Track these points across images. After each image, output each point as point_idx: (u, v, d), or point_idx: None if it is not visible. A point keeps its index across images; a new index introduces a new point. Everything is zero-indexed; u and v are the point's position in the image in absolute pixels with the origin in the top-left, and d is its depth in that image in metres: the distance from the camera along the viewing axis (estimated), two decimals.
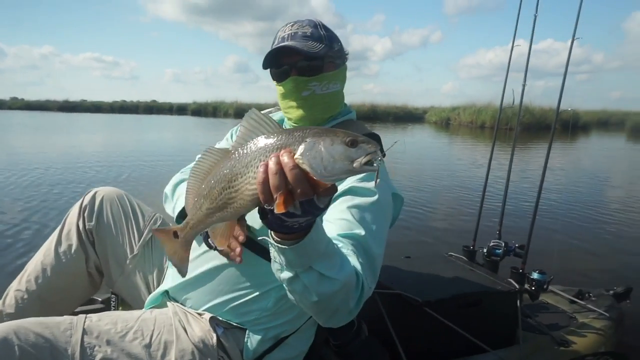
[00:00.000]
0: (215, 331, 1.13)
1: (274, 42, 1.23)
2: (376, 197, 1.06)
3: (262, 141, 0.70)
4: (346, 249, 0.94)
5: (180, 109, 34.95)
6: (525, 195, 5.23)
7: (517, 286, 1.68)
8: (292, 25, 1.22)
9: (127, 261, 1.40)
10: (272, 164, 0.65)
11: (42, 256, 1.37)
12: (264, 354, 1.17)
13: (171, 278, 1.24)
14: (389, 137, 15.51)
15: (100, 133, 16.13)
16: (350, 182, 1.08)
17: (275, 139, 0.69)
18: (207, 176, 0.78)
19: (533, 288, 1.76)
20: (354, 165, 0.64)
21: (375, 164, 0.65)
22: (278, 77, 1.22)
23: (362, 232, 0.98)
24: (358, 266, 0.92)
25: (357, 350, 1.45)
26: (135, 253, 1.39)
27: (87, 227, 1.37)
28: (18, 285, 1.36)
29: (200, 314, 1.17)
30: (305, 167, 0.65)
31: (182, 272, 0.93)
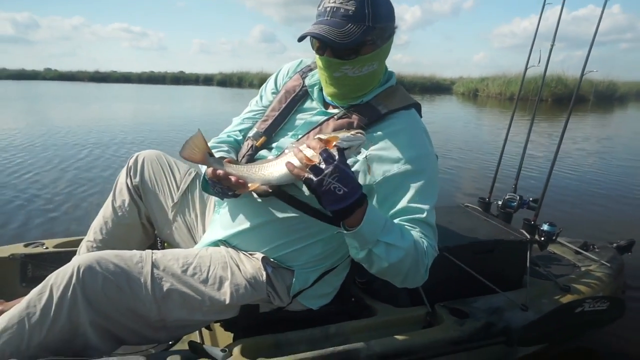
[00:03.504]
0: (265, 270, 1.22)
1: (318, 7, 1.15)
2: (425, 175, 1.14)
3: None
4: (411, 227, 1.11)
5: (206, 80, 34.68)
6: (543, 159, 5.27)
7: (527, 236, 1.75)
8: (333, 2, 1.10)
9: (170, 209, 1.52)
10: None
11: (103, 211, 1.52)
12: (306, 289, 1.28)
13: (221, 227, 1.31)
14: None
15: (134, 103, 16.32)
16: (394, 168, 1.12)
17: None
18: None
19: (542, 239, 1.83)
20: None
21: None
22: (316, 49, 1.16)
23: (423, 214, 1.11)
24: (424, 239, 1.10)
25: (381, 288, 1.56)
26: (175, 202, 1.51)
27: (134, 184, 1.50)
28: (88, 237, 1.52)
29: (252, 254, 1.25)
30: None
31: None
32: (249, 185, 1.12)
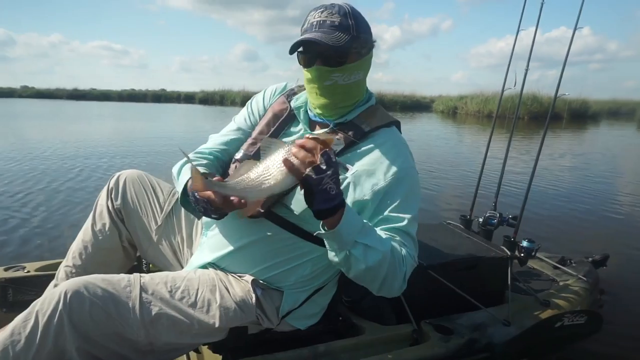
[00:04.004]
0: (254, 292, 1.21)
1: (303, 26, 1.20)
2: (407, 186, 1.17)
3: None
4: (391, 235, 1.13)
5: (187, 98, 34.47)
6: (522, 174, 5.42)
7: (508, 253, 1.80)
8: (321, 12, 1.17)
9: (154, 232, 1.48)
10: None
11: (83, 235, 1.47)
12: (294, 309, 1.28)
13: (209, 250, 1.31)
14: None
15: (112, 121, 16.03)
16: (380, 181, 1.16)
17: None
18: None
19: (522, 255, 1.87)
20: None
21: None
22: (305, 63, 1.20)
23: (403, 222, 1.14)
24: (403, 247, 1.12)
25: (368, 306, 1.58)
26: (159, 224, 1.48)
27: (115, 206, 1.46)
28: (66, 262, 1.47)
29: (241, 276, 1.25)
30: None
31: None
32: (248, 206, 1.04)
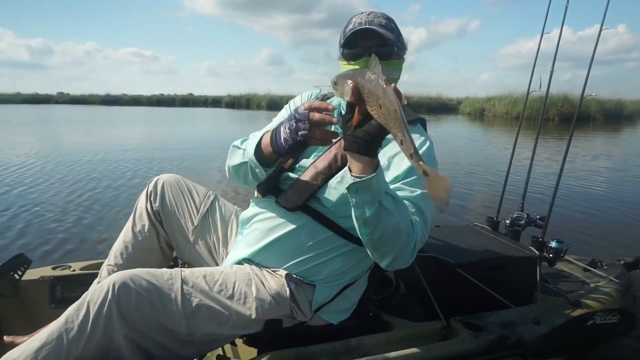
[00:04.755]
0: (288, 285, 1.26)
1: (348, 26, 1.30)
2: (427, 159, 1.19)
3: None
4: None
5: (214, 102, 35.13)
6: (550, 175, 5.33)
7: (537, 253, 1.79)
8: (367, 15, 1.30)
9: (190, 232, 1.56)
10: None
11: (124, 235, 1.56)
12: (326, 304, 1.33)
13: (244, 245, 1.36)
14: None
15: (144, 126, 16.50)
16: (402, 158, 1.21)
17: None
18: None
19: (551, 255, 1.86)
20: None
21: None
22: (351, 57, 1.30)
23: (416, 194, 1.16)
24: (413, 219, 1.12)
25: (397, 304, 1.61)
26: (195, 224, 1.56)
27: (154, 209, 1.55)
28: (108, 261, 1.55)
29: (275, 271, 1.30)
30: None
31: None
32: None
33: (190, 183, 1.64)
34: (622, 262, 2.18)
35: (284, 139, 1.12)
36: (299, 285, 1.30)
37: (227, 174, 1.42)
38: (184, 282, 1.18)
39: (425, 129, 1.37)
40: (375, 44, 1.26)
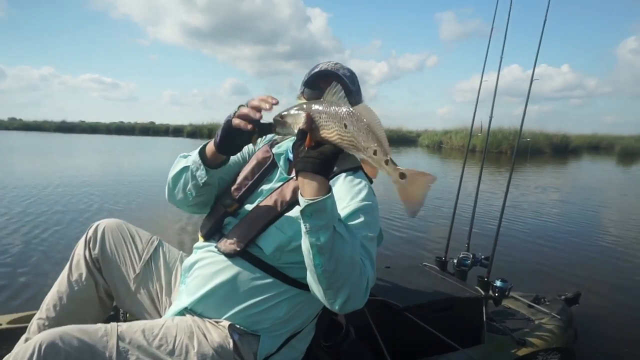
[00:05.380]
0: (232, 337, 1.20)
1: (314, 69, 1.38)
2: (368, 214, 1.19)
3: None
4: None
5: (176, 131, 34.55)
6: (496, 210, 5.45)
7: (482, 293, 1.82)
8: (335, 64, 1.37)
9: (131, 281, 1.47)
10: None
11: (58, 286, 1.45)
12: (272, 355, 1.27)
13: (186, 294, 1.30)
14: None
15: (95, 156, 15.69)
16: (351, 200, 1.21)
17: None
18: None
19: (496, 294, 1.91)
20: None
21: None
22: (312, 97, 1.34)
23: (361, 235, 1.13)
24: (362, 258, 1.08)
25: (346, 350, 1.57)
26: (138, 272, 1.47)
27: (93, 256, 1.46)
28: (40, 314, 1.43)
29: (217, 322, 1.24)
30: None
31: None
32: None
33: (133, 228, 1.57)
34: (563, 297, 2.27)
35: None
36: (243, 336, 1.25)
37: (167, 193, 1.39)
38: (120, 338, 1.10)
39: (366, 176, 1.39)
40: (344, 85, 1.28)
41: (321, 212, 0.96)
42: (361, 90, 1.45)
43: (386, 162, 0.92)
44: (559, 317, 2.03)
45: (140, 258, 1.51)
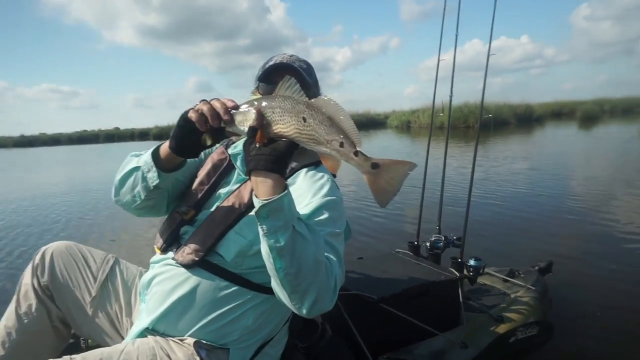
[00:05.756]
0: (198, 354, 1.13)
1: (269, 62, 1.29)
2: (333, 198, 1.14)
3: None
4: None
5: (142, 135, 33.67)
6: (462, 189, 5.46)
7: (457, 274, 1.81)
8: (290, 56, 1.30)
9: (88, 305, 1.38)
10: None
11: (5, 320, 1.34)
12: None
13: (146, 313, 1.23)
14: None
15: (49, 171, 14.59)
16: (313, 196, 1.14)
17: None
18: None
19: (471, 273, 1.89)
20: None
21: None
22: (267, 91, 1.25)
23: (326, 232, 1.06)
24: (329, 257, 1.02)
25: (324, 349, 1.52)
26: (94, 295, 1.38)
27: (42, 284, 1.35)
28: None
29: (182, 340, 1.17)
30: None
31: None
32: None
33: (85, 248, 1.46)
34: (536, 267, 2.29)
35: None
36: (211, 352, 1.17)
37: (113, 193, 1.29)
38: None
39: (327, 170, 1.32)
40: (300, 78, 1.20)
41: (278, 211, 0.89)
42: (320, 81, 1.38)
43: (355, 153, 0.88)
44: (534, 288, 2.04)
45: (95, 279, 1.40)
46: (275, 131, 0.90)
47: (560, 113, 28.83)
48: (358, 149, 0.88)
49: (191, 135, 1.04)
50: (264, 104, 0.90)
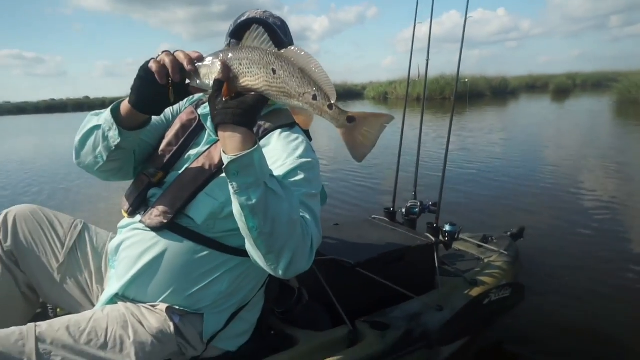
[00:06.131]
0: (171, 320, 1.11)
1: (240, 18, 1.26)
2: (309, 160, 1.11)
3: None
4: None
5: (113, 103, 32.65)
6: (438, 158, 5.54)
7: (432, 239, 1.82)
8: (263, 12, 1.26)
9: (55, 271, 1.32)
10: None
11: None
12: (220, 331, 1.20)
13: (115, 278, 1.19)
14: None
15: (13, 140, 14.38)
16: (288, 157, 1.10)
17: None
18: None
19: (446, 239, 1.92)
20: None
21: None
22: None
23: (301, 192, 1.02)
24: (305, 217, 0.98)
25: (301, 314, 1.52)
26: (61, 261, 1.32)
27: (5, 249, 1.28)
28: None
29: (154, 306, 1.14)
30: None
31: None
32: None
33: (51, 212, 1.39)
34: (509, 233, 2.34)
35: None
36: (184, 317, 1.16)
37: (74, 155, 1.22)
38: (39, 340, 0.98)
39: (303, 131, 1.28)
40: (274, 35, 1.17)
41: (248, 167, 0.85)
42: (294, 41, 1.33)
43: (330, 106, 0.84)
44: (506, 253, 2.09)
45: (63, 245, 1.34)
46: (243, 84, 0.85)
47: (534, 86, 29.45)
48: (332, 101, 0.84)
49: (151, 89, 0.96)
50: (230, 55, 0.85)
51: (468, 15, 2.18)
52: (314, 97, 0.83)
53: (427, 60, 2.24)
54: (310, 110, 0.85)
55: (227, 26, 1.27)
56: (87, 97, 36.28)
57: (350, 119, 0.86)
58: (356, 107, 19.48)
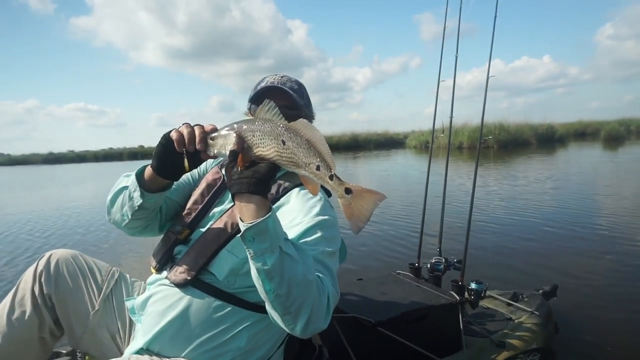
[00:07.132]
0: None
1: (260, 83, 1.32)
2: (326, 218, 1.14)
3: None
4: None
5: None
6: (465, 211, 5.21)
7: (457, 298, 1.78)
8: (281, 77, 1.33)
9: (90, 317, 1.36)
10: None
11: None
12: None
13: (141, 333, 1.23)
14: (370, 164, 15.62)
15: (70, 187, 15.09)
16: (305, 216, 1.14)
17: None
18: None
19: (472, 297, 1.87)
20: None
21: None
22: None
23: (318, 251, 1.05)
24: (320, 276, 1.01)
25: None
26: (97, 308, 1.36)
27: (45, 291, 1.32)
28: None
29: None
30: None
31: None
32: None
33: (90, 259, 1.45)
34: (540, 291, 2.24)
35: None
36: None
37: (106, 211, 1.32)
38: None
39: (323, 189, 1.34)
40: (284, 105, 1.20)
41: (263, 233, 0.90)
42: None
43: (330, 177, 0.90)
44: (537, 313, 2.00)
45: (99, 292, 1.39)
46: (257, 154, 0.93)
47: (584, 133, 28.12)
48: (333, 172, 0.90)
49: (169, 156, 1.06)
50: (244, 127, 0.93)
51: (491, 74, 2.24)
52: (317, 168, 0.90)
53: (451, 117, 2.29)
54: (315, 179, 0.92)
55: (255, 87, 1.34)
56: (141, 146, 38.45)
57: (348, 190, 0.92)
58: (398, 157, 19.43)
